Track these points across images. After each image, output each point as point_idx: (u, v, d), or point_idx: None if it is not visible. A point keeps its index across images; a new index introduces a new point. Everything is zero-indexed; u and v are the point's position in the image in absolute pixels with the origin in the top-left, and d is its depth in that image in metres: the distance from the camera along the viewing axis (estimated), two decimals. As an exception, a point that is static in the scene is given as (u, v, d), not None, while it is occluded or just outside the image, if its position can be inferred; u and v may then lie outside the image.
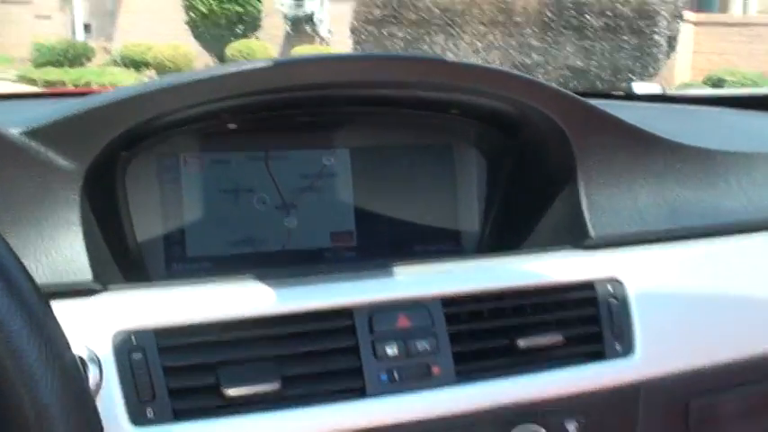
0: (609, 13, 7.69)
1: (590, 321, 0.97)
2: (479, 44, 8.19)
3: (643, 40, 7.66)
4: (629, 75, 7.58)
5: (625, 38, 7.70)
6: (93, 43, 11.31)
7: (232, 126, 1.05)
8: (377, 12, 8.32)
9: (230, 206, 1.08)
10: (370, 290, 0.89)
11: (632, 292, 0.99)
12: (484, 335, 0.91)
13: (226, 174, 1.08)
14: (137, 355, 0.76)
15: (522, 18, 8.08)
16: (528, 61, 8.02)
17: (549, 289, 0.96)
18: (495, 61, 8.06)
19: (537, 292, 0.96)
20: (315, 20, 9.94)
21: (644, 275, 1.02)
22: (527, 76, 1.02)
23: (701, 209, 1.13)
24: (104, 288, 0.82)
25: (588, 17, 7.71)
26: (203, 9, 9.72)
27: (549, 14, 7.89)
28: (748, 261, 1.14)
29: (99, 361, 0.75)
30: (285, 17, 9.92)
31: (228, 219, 1.07)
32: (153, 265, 1.04)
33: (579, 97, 1.05)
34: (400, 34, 8.37)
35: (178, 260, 1.05)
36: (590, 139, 1.03)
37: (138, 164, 1.02)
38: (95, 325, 0.77)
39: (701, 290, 1.08)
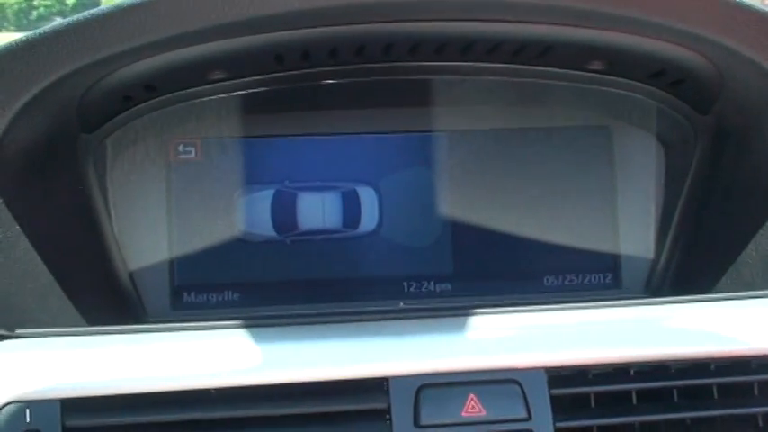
0: None
1: None
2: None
3: None
4: None
5: None
6: None
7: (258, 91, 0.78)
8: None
9: (267, 213, 0.82)
10: (429, 349, 0.64)
11: None
12: None
13: (263, 167, 0.82)
14: None
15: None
16: None
17: (751, 361, 0.67)
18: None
19: (728, 365, 0.66)
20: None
21: None
22: None
23: None
24: (6, 334, 0.62)
25: None
26: None
27: None
28: None
29: None
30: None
31: (265, 231, 0.82)
32: (153, 297, 0.80)
33: None
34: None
35: (190, 290, 0.82)
36: None
37: (127, 152, 0.79)
38: None
39: None
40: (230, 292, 0.81)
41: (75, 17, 0.58)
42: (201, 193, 0.81)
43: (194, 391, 0.59)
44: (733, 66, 0.72)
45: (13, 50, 0.59)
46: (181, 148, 0.81)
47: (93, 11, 0.58)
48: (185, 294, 0.81)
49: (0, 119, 0.60)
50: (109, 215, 0.77)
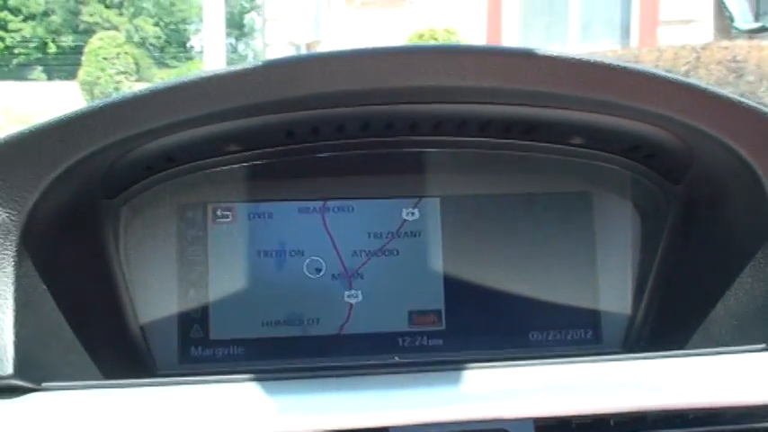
0: None
1: None
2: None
3: None
4: None
5: None
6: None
7: (271, 163, 0.78)
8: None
9: (271, 274, 0.84)
10: (425, 400, 0.66)
11: None
12: None
13: (267, 231, 0.84)
14: None
15: (754, 77, 7.36)
16: (762, 124, 7.28)
17: (724, 414, 0.68)
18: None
19: (702, 417, 0.67)
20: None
21: None
22: (694, 82, 0.69)
23: None
24: (34, 387, 0.63)
25: (835, 72, 6.87)
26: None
27: (789, 72, 7.12)
28: None
29: None
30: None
31: (268, 291, 0.83)
32: (162, 351, 0.81)
33: None
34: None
35: (197, 344, 0.82)
36: None
37: (142, 216, 0.80)
38: None
39: None
40: (235, 347, 0.83)
41: (111, 98, 0.62)
42: (209, 255, 0.83)
43: None
44: (701, 142, 0.74)
45: (49, 127, 0.62)
46: (191, 213, 0.83)
47: (127, 92, 0.63)
48: (192, 348, 0.82)
49: (34, 189, 0.63)
50: (123, 274, 0.79)
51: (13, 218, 0.63)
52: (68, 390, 0.64)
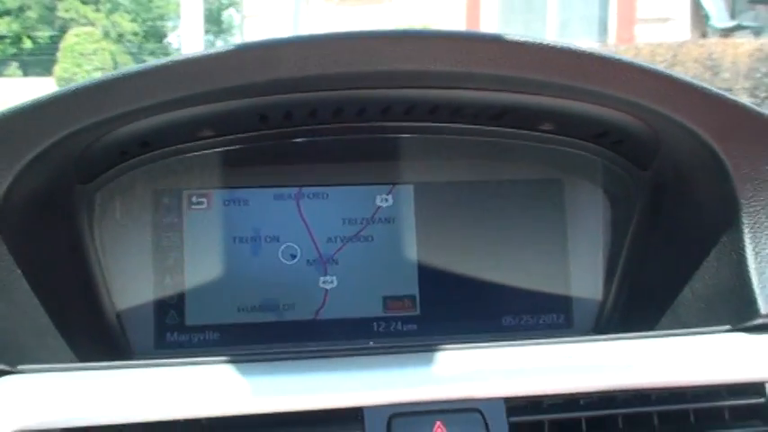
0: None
1: None
2: (682, 104, 7.62)
3: None
4: None
5: None
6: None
7: (247, 150, 0.79)
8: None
9: (247, 260, 0.84)
10: (398, 381, 0.66)
11: None
12: None
13: (243, 217, 0.84)
14: None
15: (730, 75, 7.43)
16: (737, 121, 7.35)
17: (687, 392, 0.69)
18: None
19: (667, 396, 0.69)
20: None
21: None
22: (659, 68, 0.70)
23: None
24: (8, 370, 0.63)
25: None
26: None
27: (763, 69, 7.19)
28: None
29: None
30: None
31: (243, 276, 0.84)
32: (138, 337, 0.82)
33: (743, 102, 0.71)
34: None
35: (173, 330, 0.82)
36: (762, 168, 0.75)
37: (117, 201, 0.80)
38: None
39: None
40: (211, 333, 0.83)
41: (84, 81, 0.62)
42: (185, 241, 0.83)
43: (183, 420, 0.61)
44: (667, 129, 0.75)
45: (22, 110, 0.62)
46: (166, 199, 0.83)
47: (102, 76, 0.63)
48: (168, 334, 0.83)
49: (6, 174, 0.63)
50: (99, 260, 0.79)
51: None
52: (44, 372, 0.64)
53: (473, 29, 10.01)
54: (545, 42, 0.66)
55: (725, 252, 0.77)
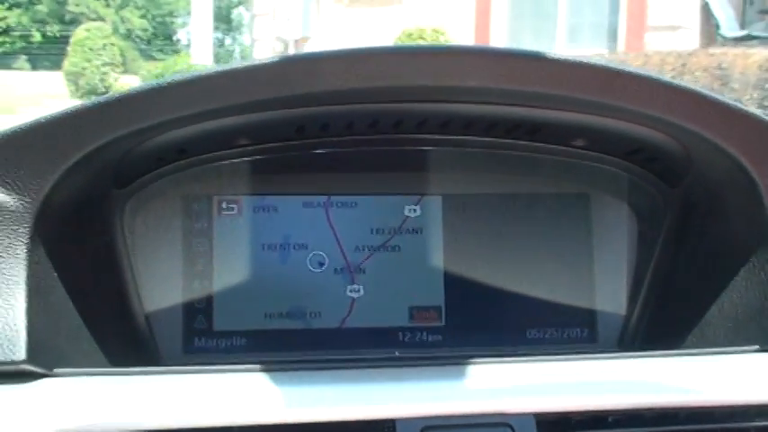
0: (843, 77, 6.87)
1: None
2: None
3: None
4: None
5: None
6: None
7: (280, 159, 0.80)
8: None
9: (275, 267, 0.85)
10: (430, 394, 0.67)
11: None
12: None
13: (272, 224, 0.85)
14: None
15: (739, 85, 7.43)
16: (746, 131, 7.35)
17: (715, 412, 0.70)
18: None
19: (694, 415, 0.69)
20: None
21: None
22: (695, 88, 0.71)
23: None
24: (45, 373, 0.64)
25: (818, 81, 6.94)
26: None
27: (773, 79, 7.19)
28: None
29: None
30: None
31: (271, 283, 0.84)
32: (167, 341, 0.82)
33: None
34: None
35: (201, 335, 0.83)
36: None
37: (149, 207, 0.81)
38: (20, 421, 0.59)
39: None
40: (238, 339, 0.84)
41: (126, 90, 0.63)
42: (214, 247, 0.84)
43: (214, 428, 0.62)
44: (699, 147, 0.76)
45: (66, 116, 0.63)
46: (197, 205, 0.84)
47: (142, 84, 0.64)
48: (196, 339, 0.83)
49: (49, 177, 0.63)
50: (130, 264, 0.80)
51: (27, 205, 0.64)
52: (78, 376, 0.64)
53: (483, 32, 10.03)
54: (580, 60, 0.66)
55: (754, 272, 0.77)
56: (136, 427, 0.61)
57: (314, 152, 0.83)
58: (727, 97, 0.71)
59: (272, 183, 0.85)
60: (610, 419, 0.68)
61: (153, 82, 0.64)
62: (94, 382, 0.65)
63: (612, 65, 0.68)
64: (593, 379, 0.71)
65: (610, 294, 0.90)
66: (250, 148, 0.80)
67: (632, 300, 0.90)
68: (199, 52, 13.14)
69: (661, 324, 0.88)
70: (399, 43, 8.78)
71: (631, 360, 0.75)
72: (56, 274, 0.68)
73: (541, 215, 0.90)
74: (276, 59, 0.63)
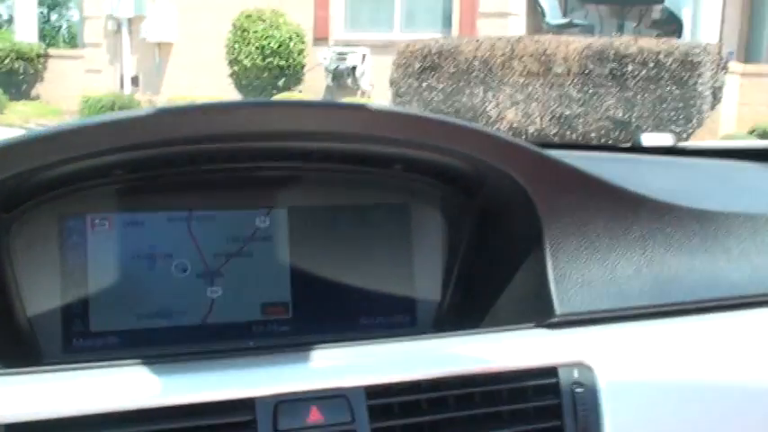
0: (651, 63, 7.50)
1: (550, 414, 0.85)
2: (519, 96, 8.07)
3: (687, 92, 7.43)
4: (672, 126, 7.35)
5: (668, 89, 7.49)
6: (139, 96, 11.53)
7: (144, 181, 0.92)
8: (417, 64, 8.26)
9: (144, 274, 0.95)
10: (281, 376, 0.79)
11: (603, 380, 0.88)
12: None
13: (140, 237, 0.95)
14: None
15: (562, 69, 7.95)
16: (568, 112, 7.88)
17: (501, 376, 0.85)
18: (534, 113, 7.92)
19: (487, 379, 0.84)
20: (356, 73, 9.99)
21: (618, 360, 0.90)
22: (475, 125, 0.89)
23: (692, 280, 0.97)
24: None
25: (630, 68, 7.54)
26: (247, 63, 9.81)
27: (591, 65, 7.74)
28: (748, 342, 0.97)
29: None
30: (327, 70, 9.98)
31: (141, 288, 0.95)
32: (47, 343, 0.91)
33: (543, 151, 0.92)
34: (440, 86, 8.30)
35: (78, 336, 0.93)
36: (558, 201, 0.93)
37: (30, 226, 0.90)
38: None
39: (689, 378, 0.92)
40: (113, 338, 0.94)
41: (20, 136, 0.73)
42: (89, 258, 0.93)
43: (90, 415, 0.72)
44: (488, 171, 0.92)
45: None
46: (72, 223, 0.93)
47: (33, 131, 0.75)
48: (75, 340, 0.93)
49: None
50: (14, 276, 0.89)
51: None
52: None
53: (322, 15, 10.10)
54: (396, 110, 0.84)
55: (532, 266, 0.93)
56: (16, 419, 0.70)
57: (177, 176, 0.94)
58: (503, 133, 0.91)
59: (140, 201, 0.95)
60: (422, 386, 0.83)
61: (44, 129, 0.75)
62: None
63: (420, 113, 0.87)
64: (412, 356, 0.85)
65: (426, 287, 1.04)
66: (124, 176, 0.92)
67: (444, 290, 1.04)
68: (22, 28, 12.47)
69: (466, 309, 1.02)
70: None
71: (442, 339, 0.88)
72: None
73: (371, 222, 1.04)
74: (152, 110, 0.76)
